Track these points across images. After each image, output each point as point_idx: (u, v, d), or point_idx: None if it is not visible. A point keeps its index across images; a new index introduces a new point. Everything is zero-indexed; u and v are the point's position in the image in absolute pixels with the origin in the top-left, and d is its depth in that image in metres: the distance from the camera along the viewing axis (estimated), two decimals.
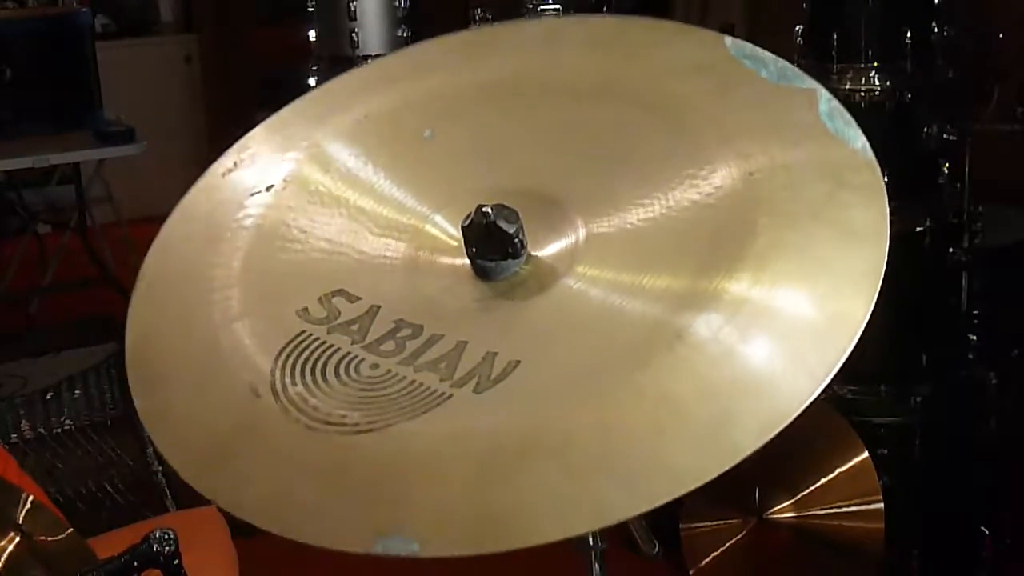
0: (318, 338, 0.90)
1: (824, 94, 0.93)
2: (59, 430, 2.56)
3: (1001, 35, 2.73)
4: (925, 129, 2.21)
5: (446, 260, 0.95)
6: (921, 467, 2.23)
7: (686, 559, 2.19)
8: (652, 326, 0.82)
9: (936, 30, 2.21)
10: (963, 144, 2.23)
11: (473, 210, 0.89)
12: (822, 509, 2.10)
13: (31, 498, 1.09)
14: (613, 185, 0.96)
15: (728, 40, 1.01)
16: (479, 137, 1.05)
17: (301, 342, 0.90)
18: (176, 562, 0.85)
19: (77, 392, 2.60)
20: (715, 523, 2.17)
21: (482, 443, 0.78)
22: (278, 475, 0.82)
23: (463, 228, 0.91)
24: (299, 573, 1.76)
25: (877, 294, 0.79)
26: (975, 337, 2.29)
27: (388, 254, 0.97)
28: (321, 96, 1.14)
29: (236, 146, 1.08)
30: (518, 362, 0.83)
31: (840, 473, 2.10)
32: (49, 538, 1.08)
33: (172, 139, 4.95)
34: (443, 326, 0.89)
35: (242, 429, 0.85)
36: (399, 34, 3.25)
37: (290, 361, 0.89)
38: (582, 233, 0.92)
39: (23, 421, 2.53)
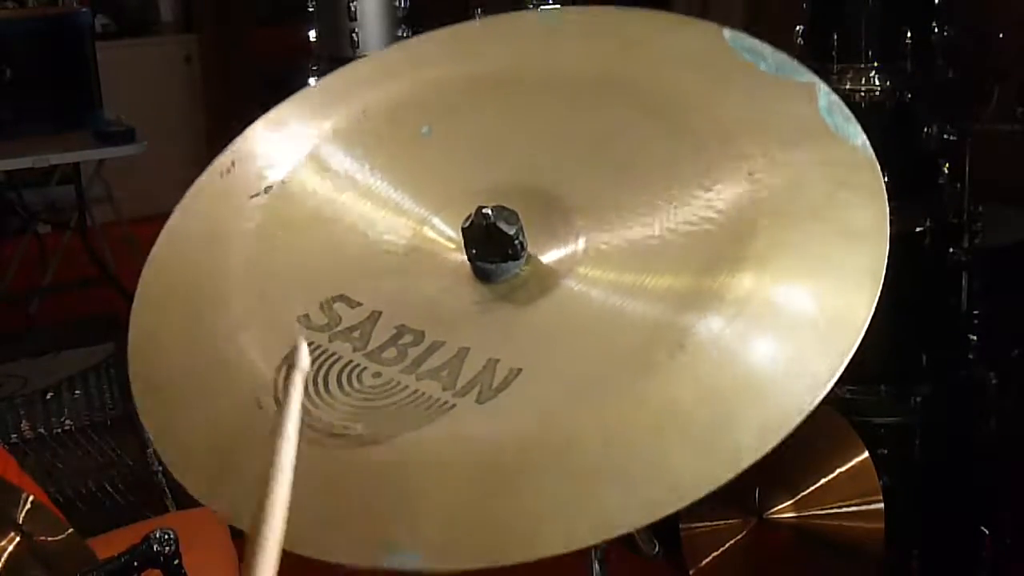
0: (320, 346, 0.89)
1: (823, 88, 0.93)
2: (59, 430, 2.56)
3: (1001, 35, 2.73)
4: (925, 129, 2.21)
5: (446, 262, 0.94)
6: (921, 467, 2.23)
7: (686, 559, 2.19)
8: (654, 328, 0.82)
9: (936, 30, 2.20)
10: (963, 144, 2.23)
11: (473, 212, 0.89)
12: (822, 509, 2.10)
13: (31, 498, 1.09)
14: (613, 185, 0.95)
15: (727, 32, 1.01)
16: (477, 133, 1.04)
17: None
18: (176, 562, 0.85)
19: (77, 392, 2.60)
20: (715, 523, 2.16)
21: (486, 455, 0.77)
22: None
23: (463, 230, 0.90)
24: (299, 571, 1.76)
25: (879, 294, 0.79)
26: (975, 337, 2.29)
27: (388, 256, 0.96)
28: (318, 93, 1.14)
29: (234, 145, 1.07)
30: (519, 370, 0.82)
31: (840, 473, 2.10)
32: (49, 538, 1.07)
33: (172, 139, 4.96)
34: (444, 331, 0.88)
35: (245, 440, 0.84)
36: (399, 34, 3.25)
37: None
38: (582, 234, 0.91)
39: (23, 421, 2.53)
